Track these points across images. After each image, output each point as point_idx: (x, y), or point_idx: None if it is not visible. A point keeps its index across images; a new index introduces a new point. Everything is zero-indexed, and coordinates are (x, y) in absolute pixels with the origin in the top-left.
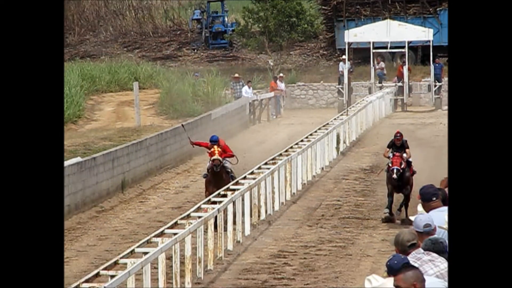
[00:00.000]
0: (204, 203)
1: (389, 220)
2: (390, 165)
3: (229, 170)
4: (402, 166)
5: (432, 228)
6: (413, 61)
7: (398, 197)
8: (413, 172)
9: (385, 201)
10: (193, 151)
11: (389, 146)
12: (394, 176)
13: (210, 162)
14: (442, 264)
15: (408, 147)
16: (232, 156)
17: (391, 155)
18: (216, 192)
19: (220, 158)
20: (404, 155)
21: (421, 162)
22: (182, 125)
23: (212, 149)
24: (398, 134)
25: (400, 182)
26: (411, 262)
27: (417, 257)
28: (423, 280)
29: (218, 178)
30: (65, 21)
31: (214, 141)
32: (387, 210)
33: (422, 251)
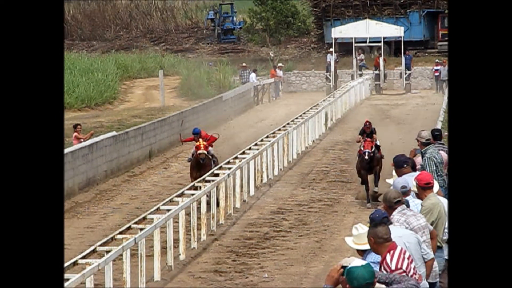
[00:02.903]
0: (187, 189)
1: (374, 198)
2: (362, 148)
3: (211, 157)
4: (373, 150)
5: (408, 189)
6: (388, 53)
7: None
8: (382, 156)
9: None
10: (208, 126)
11: (360, 134)
12: (366, 157)
13: (196, 154)
14: (422, 219)
15: (375, 133)
16: (215, 139)
17: (362, 141)
18: (201, 178)
19: (205, 152)
20: (373, 143)
21: (394, 135)
22: (182, 121)
23: (198, 143)
24: (367, 123)
25: (371, 164)
26: (398, 215)
27: (403, 212)
28: (381, 237)
29: (202, 165)
30: (103, 20)
31: (197, 133)
32: (369, 205)
33: (405, 207)
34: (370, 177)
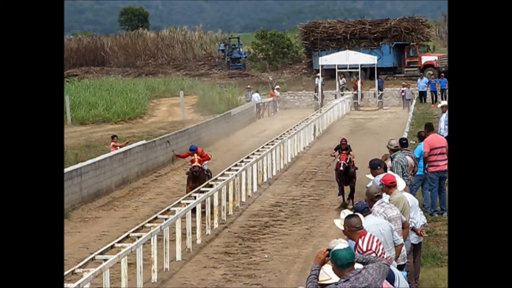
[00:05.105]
0: (184, 199)
1: (344, 205)
2: (338, 160)
3: (206, 171)
4: (348, 161)
5: None
6: (364, 77)
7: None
8: (356, 168)
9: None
10: (219, 136)
11: (336, 149)
12: (341, 168)
13: (191, 167)
14: (396, 210)
15: (351, 150)
16: (209, 159)
17: (337, 154)
18: (196, 189)
19: (199, 165)
20: (349, 156)
21: (369, 144)
22: (168, 141)
23: (193, 157)
24: (343, 141)
25: (347, 176)
26: (377, 207)
27: (382, 205)
28: (354, 226)
29: (197, 177)
30: (135, 50)
31: (193, 150)
32: (341, 198)
33: (384, 200)
34: (347, 188)
